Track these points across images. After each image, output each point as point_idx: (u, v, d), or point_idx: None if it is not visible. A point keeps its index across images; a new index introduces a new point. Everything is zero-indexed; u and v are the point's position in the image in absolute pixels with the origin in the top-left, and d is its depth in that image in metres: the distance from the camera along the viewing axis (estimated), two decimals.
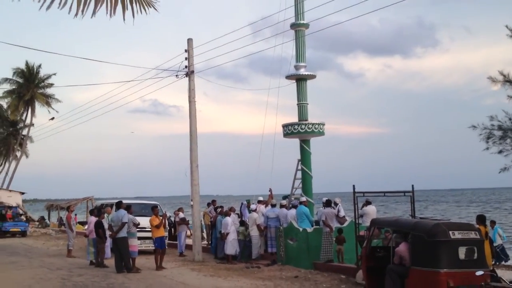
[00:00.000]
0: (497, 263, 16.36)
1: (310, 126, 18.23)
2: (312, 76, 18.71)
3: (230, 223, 17.69)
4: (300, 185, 18.80)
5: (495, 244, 15.82)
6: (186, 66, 19.09)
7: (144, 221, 18.73)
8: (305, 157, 18.60)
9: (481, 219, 12.21)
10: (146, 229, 19.07)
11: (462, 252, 9.08)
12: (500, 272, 12.34)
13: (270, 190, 19.02)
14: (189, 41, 19.18)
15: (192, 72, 19.01)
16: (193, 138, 18.77)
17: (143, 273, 14.51)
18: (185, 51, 19.17)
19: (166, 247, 16.34)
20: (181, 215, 20.31)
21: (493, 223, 17.49)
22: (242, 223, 18.13)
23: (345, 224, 15.59)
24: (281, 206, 17.59)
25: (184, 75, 19.17)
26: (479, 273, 8.67)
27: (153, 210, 16.12)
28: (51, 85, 48.90)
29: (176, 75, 19.41)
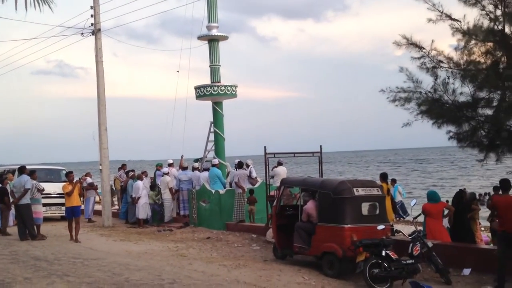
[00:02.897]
0: (398, 219, 17.46)
1: (222, 88, 18.10)
2: (224, 37, 18.47)
3: (142, 187, 17.42)
4: (213, 148, 18.76)
5: (395, 201, 16.83)
6: (92, 24, 18.18)
7: (49, 187, 18.03)
8: (217, 120, 18.50)
9: (383, 176, 12.89)
10: (52, 195, 18.38)
11: (365, 208, 9.56)
12: (400, 227, 13.14)
13: (182, 157, 18.91)
14: None
15: (99, 30, 18.14)
16: (101, 100, 18.08)
17: (48, 240, 13.96)
18: (91, 7, 18.22)
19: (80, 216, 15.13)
20: (89, 180, 19.67)
21: (393, 181, 18.53)
22: (153, 187, 17.93)
23: (257, 185, 15.86)
24: (194, 168, 17.54)
25: (90, 34, 18.27)
26: (381, 227, 9.19)
27: (67, 176, 14.92)
28: None
29: (82, 34, 18.48)
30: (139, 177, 17.84)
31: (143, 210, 17.31)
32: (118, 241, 14.09)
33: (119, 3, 20.19)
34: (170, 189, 17.23)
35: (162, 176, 17.68)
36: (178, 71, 18.67)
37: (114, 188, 21.34)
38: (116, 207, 21.27)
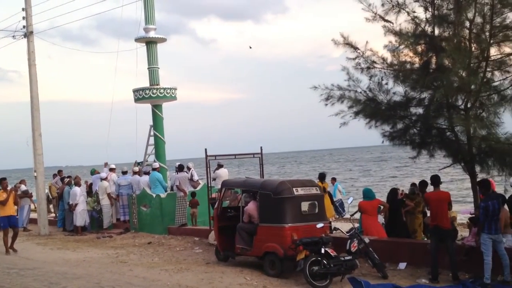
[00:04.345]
0: (338, 216, 17.83)
1: (161, 90, 17.86)
2: (162, 40, 18.24)
3: (79, 194, 16.94)
4: (153, 151, 18.50)
5: (334, 199, 17.17)
6: (24, 26, 17.54)
7: None
8: (157, 123, 18.24)
9: (321, 176, 13.18)
10: None
11: (304, 207, 9.72)
12: (339, 224, 13.45)
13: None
14: None
15: (31, 32, 17.53)
16: (35, 105, 17.45)
17: None
18: (23, 9, 17.58)
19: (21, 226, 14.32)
20: (23, 187, 18.92)
21: (333, 179, 18.93)
22: (89, 193, 17.49)
23: (198, 187, 15.80)
24: (134, 173, 17.24)
25: (22, 36, 17.63)
26: (320, 225, 9.37)
27: (0, 183, 13.61)
28: None
29: (13, 36, 17.83)
30: (76, 183, 17.33)
31: (81, 217, 16.83)
32: (55, 249, 13.65)
33: (53, 5, 19.55)
34: (108, 195, 16.86)
35: (101, 181, 17.26)
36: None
37: (50, 195, 20.65)
38: (53, 214, 20.57)
